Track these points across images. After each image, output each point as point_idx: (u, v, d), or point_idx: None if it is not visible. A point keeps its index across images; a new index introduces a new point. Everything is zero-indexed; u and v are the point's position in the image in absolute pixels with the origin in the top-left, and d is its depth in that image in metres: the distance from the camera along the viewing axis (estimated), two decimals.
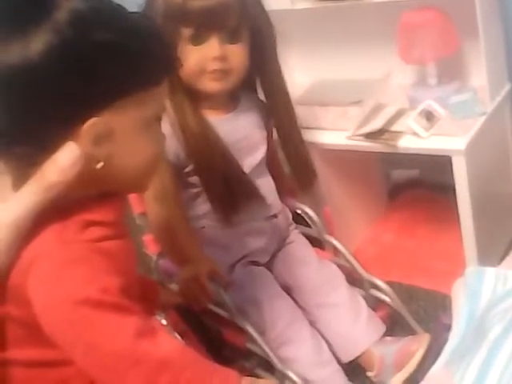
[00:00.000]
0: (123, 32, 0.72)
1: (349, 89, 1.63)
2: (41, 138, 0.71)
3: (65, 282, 0.70)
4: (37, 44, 0.68)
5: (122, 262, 0.75)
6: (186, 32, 1.17)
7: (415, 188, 1.95)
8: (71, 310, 0.69)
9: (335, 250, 1.38)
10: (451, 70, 1.56)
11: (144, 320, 0.73)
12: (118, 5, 0.75)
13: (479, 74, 1.50)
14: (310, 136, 1.50)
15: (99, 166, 0.73)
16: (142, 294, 0.84)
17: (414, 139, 1.45)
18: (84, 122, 0.71)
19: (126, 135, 0.74)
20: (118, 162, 0.75)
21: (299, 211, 1.42)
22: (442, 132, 1.43)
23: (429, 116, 1.45)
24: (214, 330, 1.25)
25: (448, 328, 0.89)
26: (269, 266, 1.32)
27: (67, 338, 0.71)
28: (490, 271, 0.94)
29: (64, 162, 0.71)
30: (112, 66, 0.71)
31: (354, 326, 1.25)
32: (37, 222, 0.71)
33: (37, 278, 0.70)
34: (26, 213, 0.71)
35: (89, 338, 0.70)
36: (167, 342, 0.74)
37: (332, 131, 1.57)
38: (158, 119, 0.80)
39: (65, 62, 0.68)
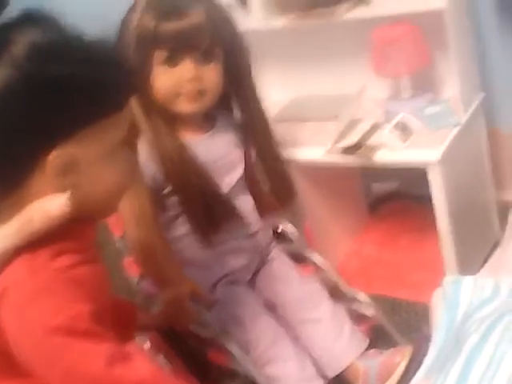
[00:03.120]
0: (81, 63, 0.72)
1: (325, 105, 1.65)
2: (7, 173, 0.72)
3: (36, 311, 0.70)
4: None
5: (94, 287, 0.76)
6: (160, 55, 1.18)
7: (395, 200, 1.97)
8: (43, 339, 0.70)
9: (317, 265, 1.39)
10: (424, 83, 1.59)
11: (117, 345, 0.73)
12: (76, 34, 0.75)
13: (452, 86, 1.53)
14: (288, 152, 1.51)
15: (70, 199, 0.74)
16: (118, 318, 0.85)
17: (390, 152, 1.47)
18: (48, 154, 0.71)
19: (90, 164, 0.75)
20: (84, 191, 0.76)
21: (280, 228, 1.43)
22: (418, 144, 1.45)
23: (404, 128, 1.47)
24: (198, 351, 1.24)
25: (429, 338, 0.90)
26: (251, 284, 1.33)
27: (42, 366, 0.71)
28: (467, 280, 0.95)
29: (53, 211, 0.72)
30: (71, 97, 0.71)
31: (337, 340, 1.25)
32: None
33: (9, 308, 0.71)
34: (5, 252, 0.72)
35: (63, 366, 0.71)
36: (141, 365, 0.74)
37: (310, 147, 1.59)
38: (124, 143, 0.80)
39: (24, 96, 0.69)
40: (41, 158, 0.71)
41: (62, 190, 0.73)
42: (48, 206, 0.72)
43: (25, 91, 0.69)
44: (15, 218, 0.73)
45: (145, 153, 1.20)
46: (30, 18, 0.73)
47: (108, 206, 0.83)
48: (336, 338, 1.25)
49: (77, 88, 0.72)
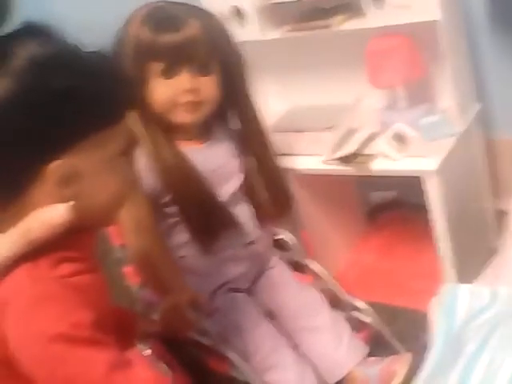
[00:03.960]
0: (80, 75, 0.74)
1: (322, 115, 1.66)
2: (7, 183, 0.73)
3: (37, 320, 0.71)
4: None
5: (94, 295, 0.77)
6: (157, 66, 1.19)
7: (393, 209, 1.98)
8: (45, 347, 0.70)
9: (315, 274, 1.39)
10: (420, 93, 1.60)
11: (118, 352, 0.74)
12: (75, 46, 0.76)
13: (448, 96, 1.54)
14: (286, 162, 1.52)
15: (72, 210, 0.75)
16: (119, 326, 0.85)
17: (387, 161, 1.48)
18: (48, 164, 0.72)
19: (90, 174, 0.76)
20: (84, 201, 0.77)
21: (278, 236, 1.44)
22: (414, 153, 1.46)
23: (400, 138, 1.48)
24: (198, 359, 1.25)
25: (428, 346, 0.91)
26: (250, 292, 1.33)
27: (43, 374, 0.72)
28: (464, 288, 0.96)
29: (53, 220, 0.73)
30: (71, 109, 0.72)
31: (336, 348, 1.26)
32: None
33: (11, 317, 0.72)
34: (5, 260, 0.72)
35: (64, 373, 0.71)
36: (142, 373, 0.75)
37: (307, 156, 1.60)
38: (123, 154, 0.81)
39: (24, 108, 0.70)
40: (41, 169, 0.72)
41: (63, 200, 0.74)
42: (47, 215, 0.73)
43: (25, 103, 0.70)
44: (15, 227, 0.73)
45: (143, 162, 1.22)
46: (30, 31, 0.74)
47: (108, 216, 0.84)
48: (335, 346, 1.26)
49: (77, 100, 0.73)
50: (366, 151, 1.52)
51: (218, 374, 1.22)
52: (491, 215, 1.74)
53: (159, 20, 1.19)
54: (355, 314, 1.34)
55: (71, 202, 0.75)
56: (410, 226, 1.86)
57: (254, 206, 1.37)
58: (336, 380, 1.25)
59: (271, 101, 1.83)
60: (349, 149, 1.54)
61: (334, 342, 1.27)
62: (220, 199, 1.27)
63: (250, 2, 1.60)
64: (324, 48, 1.69)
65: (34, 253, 0.74)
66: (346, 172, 1.53)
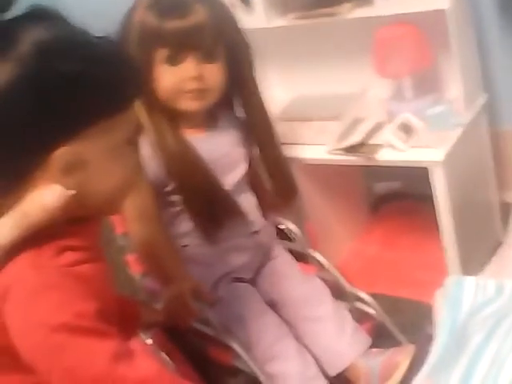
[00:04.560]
0: (88, 61, 0.72)
1: (328, 104, 1.66)
2: (11, 169, 0.72)
3: (40, 308, 0.70)
4: (1, 76, 0.68)
5: (98, 285, 0.76)
6: (163, 53, 1.18)
7: (398, 200, 1.97)
8: (47, 336, 0.70)
9: (319, 264, 1.39)
10: (427, 83, 1.59)
11: (121, 343, 0.73)
12: (82, 31, 0.75)
13: (454, 86, 1.53)
14: (291, 151, 1.52)
15: (71, 193, 0.74)
16: (122, 315, 0.85)
17: (393, 152, 1.47)
18: (53, 151, 0.71)
19: (95, 162, 0.75)
20: (89, 189, 0.76)
21: (282, 226, 1.43)
22: (420, 144, 1.45)
23: (406, 129, 1.47)
24: (201, 348, 1.25)
25: (432, 338, 0.90)
26: (253, 281, 1.33)
27: (44, 364, 0.71)
28: (469, 280, 0.95)
29: (48, 201, 0.72)
30: (78, 95, 0.71)
31: (339, 339, 1.26)
32: (11, 249, 0.72)
33: (12, 305, 0.71)
34: (3, 245, 0.71)
35: (65, 363, 0.70)
36: (144, 364, 0.74)
37: (312, 146, 1.59)
38: (129, 142, 0.80)
39: (30, 93, 0.69)
40: (46, 156, 0.71)
41: (68, 187, 0.73)
42: (42, 197, 0.72)
43: (31, 89, 0.69)
44: (11, 212, 0.72)
45: (147, 150, 1.21)
46: (36, 15, 0.73)
47: (113, 204, 0.83)
48: (338, 337, 1.25)
49: (83, 86, 0.71)
50: (372, 141, 1.52)
51: (221, 364, 1.22)
52: (497, 207, 1.73)
53: (165, 6, 1.18)
54: (358, 304, 1.33)
55: (72, 191, 0.73)
56: (415, 216, 1.85)
57: (259, 196, 1.36)
58: (338, 371, 1.24)
59: (277, 89, 1.82)
60: (354, 139, 1.53)
61: (337, 333, 1.26)
62: (224, 188, 1.26)
63: None
64: (331, 36, 1.68)
65: (37, 241, 0.73)
66: (352, 162, 1.52)
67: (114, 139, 0.76)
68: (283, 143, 1.40)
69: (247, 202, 1.32)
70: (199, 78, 1.19)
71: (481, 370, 0.79)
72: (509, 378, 0.76)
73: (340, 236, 1.81)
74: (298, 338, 1.26)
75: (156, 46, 1.18)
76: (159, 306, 1.22)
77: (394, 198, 1.98)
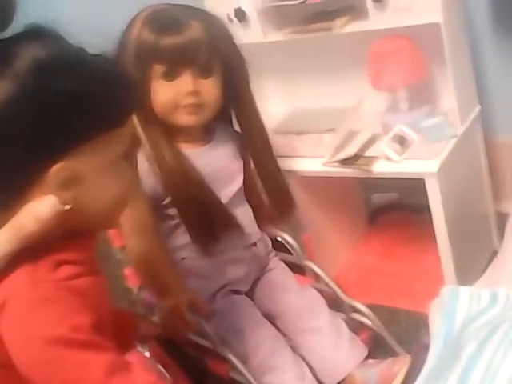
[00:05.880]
0: (84, 78, 0.73)
1: (323, 117, 1.67)
2: (8, 184, 0.73)
3: (36, 322, 0.71)
4: None
5: (94, 298, 0.76)
6: (159, 68, 1.20)
7: (394, 211, 1.98)
8: (43, 350, 0.70)
9: (315, 276, 1.40)
10: (421, 95, 1.60)
11: (117, 355, 0.74)
12: (79, 49, 0.76)
13: (449, 98, 1.54)
14: (287, 164, 1.53)
15: (67, 207, 0.75)
16: (119, 328, 0.85)
17: (388, 163, 1.48)
18: (50, 167, 0.72)
19: (92, 177, 0.76)
20: (85, 203, 0.76)
21: (279, 238, 1.44)
22: (415, 155, 1.46)
23: (401, 140, 1.48)
24: (198, 361, 1.25)
25: (428, 348, 0.91)
26: (250, 294, 1.33)
27: (41, 377, 0.72)
28: (464, 290, 0.96)
29: (43, 213, 0.73)
30: (74, 112, 0.72)
31: (336, 350, 1.26)
32: (8, 262, 0.73)
33: (9, 319, 0.71)
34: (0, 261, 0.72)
35: (62, 376, 0.71)
36: (141, 376, 0.74)
37: (308, 159, 1.60)
38: (126, 157, 0.81)
39: (27, 110, 0.70)
40: (43, 172, 0.72)
41: (64, 202, 0.74)
42: (36, 208, 0.73)
43: (27, 106, 0.70)
44: (7, 224, 0.73)
45: (144, 164, 1.22)
46: (33, 34, 0.74)
47: (109, 219, 0.84)
48: (335, 348, 1.26)
49: (79, 103, 0.72)
50: (368, 153, 1.52)
51: (217, 376, 1.22)
52: (492, 217, 1.74)
53: (161, 22, 1.19)
54: (355, 315, 1.33)
55: (67, 206, 0.74)
56: (411, 227, 1.86)
57: (255, 208, 1.37)
58: (335, 382, 1.24)
59: (273, 103, 1.83)
60: (350, 151, 1.54)
61: (334, 344, 1.27)
62: (221, 201, 1.27)
63: (253, 4, 1.60)
64: (326, 50, 1.69)
65: (34, 255, 0.74)
66: (347, 174, 1.53)
67: (111, 154, 0.77)
68: (280, 156, 1.41)
69: (244, 214, 1.32)
70: (195, 93, 1.21)
71: (475, 379, 0.79)
72: None
73: (337, 247, 1.82)
74: (294, 349, 1.26)
75: (152, 62, 1.19)
76: (156, 318, 1.23)
77: (391, 209, 1.99)
